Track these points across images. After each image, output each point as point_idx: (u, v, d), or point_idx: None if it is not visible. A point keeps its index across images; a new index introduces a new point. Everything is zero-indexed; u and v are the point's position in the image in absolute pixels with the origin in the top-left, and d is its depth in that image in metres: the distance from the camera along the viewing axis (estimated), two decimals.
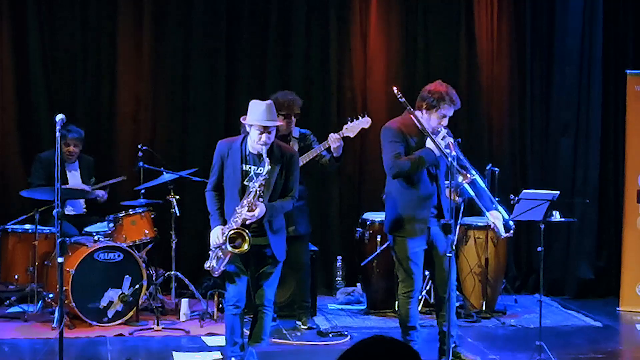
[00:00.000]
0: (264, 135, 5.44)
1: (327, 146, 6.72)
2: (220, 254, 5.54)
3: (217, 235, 5.52)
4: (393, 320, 7.31)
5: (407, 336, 5.95)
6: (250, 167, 5.53)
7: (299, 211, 6.85)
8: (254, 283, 5.64)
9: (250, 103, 5.58)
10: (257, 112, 5.49)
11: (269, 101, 5.57)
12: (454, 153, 5.64)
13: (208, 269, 5.64)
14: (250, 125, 5.48)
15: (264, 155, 5.42)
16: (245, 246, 5.41)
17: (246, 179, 5.52)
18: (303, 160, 6.77)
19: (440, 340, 6.02)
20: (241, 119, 5.61)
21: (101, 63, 8.30)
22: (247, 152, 5.55)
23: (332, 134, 6.70)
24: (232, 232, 5.42)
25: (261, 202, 5.45)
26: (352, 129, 6.71)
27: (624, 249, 7.98)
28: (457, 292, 7.19)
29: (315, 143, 6.95)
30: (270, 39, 8.51)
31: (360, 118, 6.72)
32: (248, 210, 5.40)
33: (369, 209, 7.97)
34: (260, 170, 5.48)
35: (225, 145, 5.62)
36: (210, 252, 5.61)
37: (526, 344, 6.47)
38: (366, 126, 6.72)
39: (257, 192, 5.42)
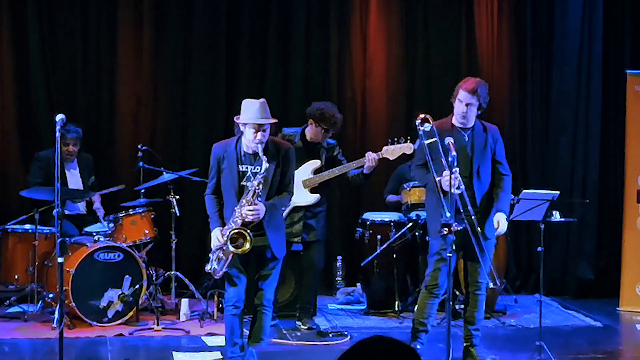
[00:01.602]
0: (259, 133, 5.43)
1: (362, 164, 6.72)
2: (222, 255, 5.53)
3: (217, 236, 5.52)
4: (393, 320, 7.32)
5: (416, 340, 5.98)
6: (246, 168, 5.53)
7: (320, 217, 6.89)
8: (253, 283, 5.64)
9: (243, 102, 5.56)
10: (250, 111, 5.47)
11: (261, 99, 5.55)
12: (454, 153, 5.65)
13: (209, 271, 5.63)
14: (245, 125, 5.46)
15: (260, 153, 5.41)
16: (247, 245, 5.41)
17: (244, 180, 5.51)
18: (332, 173, 6.80)
19: (464, 339, 6.08)
20: (235, 118, 5.59)
21: (101, 63, 8.30)
22: (243, 153, 5.54)
23: (370, 153, 6.68)
24: (233, 232, 5.42)
25: (260, 201, 5.44)
26: (392, 152, 6.69)
27: (624, 249, 7.98)
28: (457, 292, 7.21)
29: (340, 155, 6.96)
30: (270, 39, 8.51)
31: (401, 142, 6.68)
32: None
33: (369, 209, 7.97)
34: (257, 169, 5.48)
35: (220, 149, 5.62)
36: (210, 255, 5.61)
37: (526, 344, 6.47)
38: (408, 152, 6.64)
39: (256, 191, 5.42)
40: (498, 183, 6.00)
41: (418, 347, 5.99)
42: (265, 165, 5.39)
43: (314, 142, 6.87)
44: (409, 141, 6.65)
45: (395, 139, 6.73)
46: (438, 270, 5.89)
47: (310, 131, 6.84)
